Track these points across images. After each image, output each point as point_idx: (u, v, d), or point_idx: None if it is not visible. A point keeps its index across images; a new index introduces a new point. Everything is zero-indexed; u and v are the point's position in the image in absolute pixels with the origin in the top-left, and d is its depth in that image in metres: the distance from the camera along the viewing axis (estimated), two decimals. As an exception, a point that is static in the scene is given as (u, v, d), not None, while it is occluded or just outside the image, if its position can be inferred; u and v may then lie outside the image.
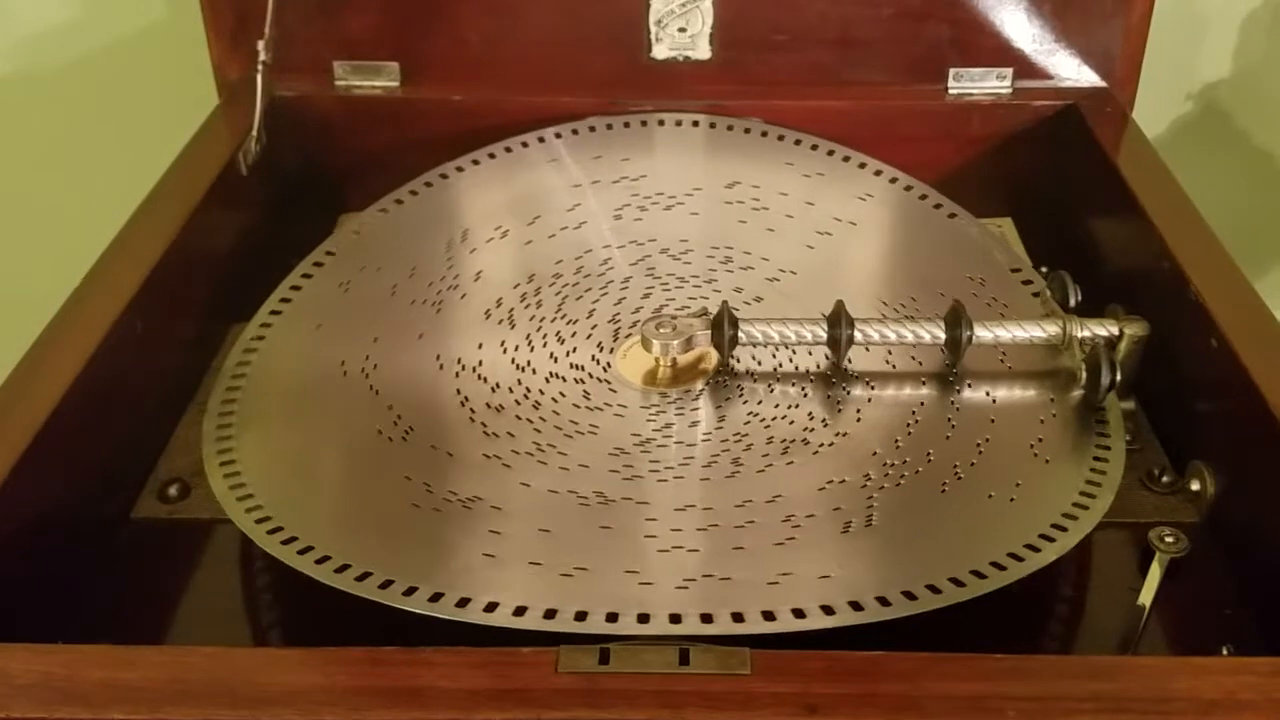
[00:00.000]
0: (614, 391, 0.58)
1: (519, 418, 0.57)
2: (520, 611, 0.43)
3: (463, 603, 0.44)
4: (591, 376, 0.59)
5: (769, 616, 0.43)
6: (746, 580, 0.46)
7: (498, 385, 0.59)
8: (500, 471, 0.53)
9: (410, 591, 0.44)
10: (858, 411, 0.56)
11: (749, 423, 0.56)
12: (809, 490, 0.51)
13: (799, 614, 0.43)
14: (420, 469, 0.53)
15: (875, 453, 0.53)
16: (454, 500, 0.51)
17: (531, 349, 0.61)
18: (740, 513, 0.50)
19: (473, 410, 0.57)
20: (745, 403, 0.57)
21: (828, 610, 0.43)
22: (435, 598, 0.44)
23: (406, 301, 0.63)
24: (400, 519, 0.50)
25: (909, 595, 0.44)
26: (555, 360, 0.60)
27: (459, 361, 0.60)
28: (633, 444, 0.55)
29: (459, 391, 0.58)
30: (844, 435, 0.55)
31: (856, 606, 0.43)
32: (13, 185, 0.93)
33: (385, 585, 0.45)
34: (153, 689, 0.38)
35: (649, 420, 0.56)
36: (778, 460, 0.53)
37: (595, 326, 0.62)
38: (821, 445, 0.54)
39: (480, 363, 0.60)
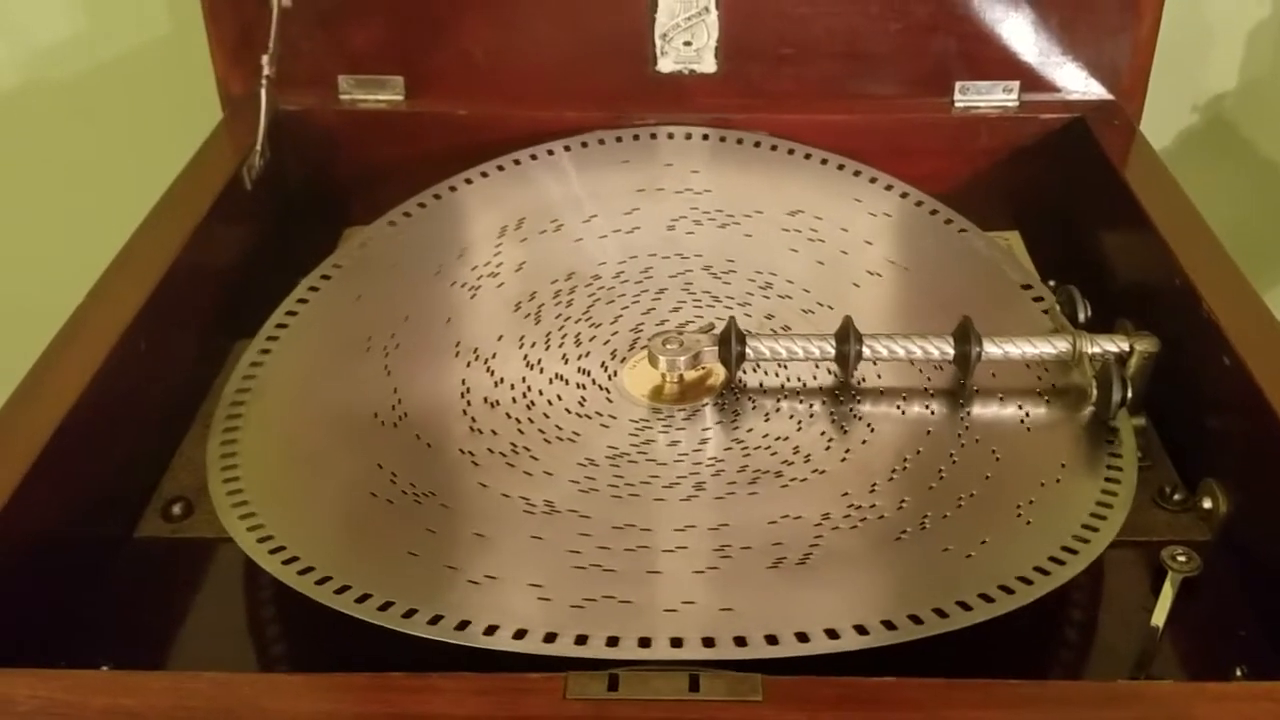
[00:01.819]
0: (610, 401, 0.58)
1: (509, 415, 0.56)
2: (411, 614, 0.43)
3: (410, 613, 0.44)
4: (594, 383, 0.59)
5: (638, 641, 0.42)
6: (644, 603, 0.45)
7: (501, 380, 0.58)
8: (466, 469, 0.53)
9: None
10: (846, 451, 0.54)
11: (730, 448, 0.55)
12: (758, 523, 0.50)
13: (674, 642, 0.42)
14: (393, 457, 0.53)
15: (846, 493, 0.51)
16: (409, 493, 0.51)
17: (547, 347, 0.61)
18: (676, 537, 0.49)
19: (469, 402, 0.57)
20: (737, 427, 0.56)
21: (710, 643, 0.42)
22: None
23: (447, 283, 0.63)
24: (355, 510, 0.50)
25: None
26: (565, 362, 0.60)
27: (474, 351, 0.60)
28: (604, 457, 0.54)
29: (463, 381, 0.58)
30: (821, 472, 0.53)
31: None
32: (18, 198, 0.93)
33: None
34: (156, 716, 0.38)
35: (631, 435, 0.56)
36: (742, 490, 0.52)
37: (616, 334, 0.62)
38: (794, 480, 0.53)
39: (494, 355, 0.60)
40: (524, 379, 0.59)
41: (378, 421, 0.55)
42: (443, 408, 0.57)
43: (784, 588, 0.47)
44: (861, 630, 0.43)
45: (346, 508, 0.51)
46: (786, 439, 0.55)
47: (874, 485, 0.52)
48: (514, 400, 0.57)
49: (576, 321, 0.62)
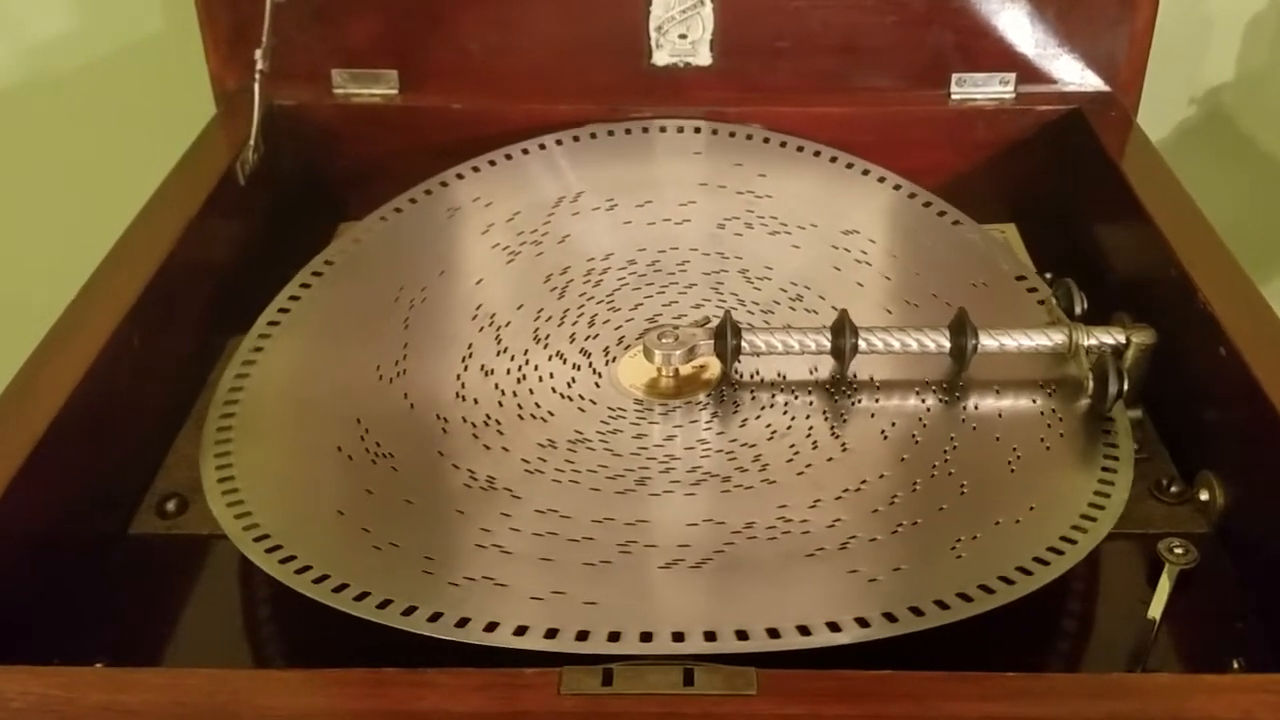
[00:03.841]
0: (597, 387, 0.57)
1: (496, 386, 0.56)
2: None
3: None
4: (590, 367, 0.59)
5: (485, 626, 0.43)
6: (513, 590, 0.45)
7: (505, 349, 0.58)
8: (433, 435, 0.53)
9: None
10: (807, 465, 0.52)
11: (691, 448, 0.54)
12: (676, 523, 0.49)
13: (519, 630, 0.42)
14: (373, 413, 0.53)
15: (784, 505, 0.50)
16: (370, 452, 0.52)
17: (560, 324, 0.60)
18: (587, 528, 0.49)
19: (465, 367, 0.57)
20: (709, 427, 0.55)
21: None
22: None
23: (489, 244, 0.64)
24: (326, 468, 0.51)
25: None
26: (571, 341, 0.60)
27: (491, 316, 0.60)
28: (566, 441, 0.54)
29: (469, 346, 0.58)
30: (771, 483, 0.52)
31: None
32: (11, 195, 0.93)
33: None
34: (152, 712, 0.38)
35: (602, 423, 0.55)
36: (681, 489, 0.51)
37: (630, 320, 0.61)
38: (738, 486, 0.51)
39: (508, 323, 0.60)
40: (526, 351, 0.59)
41: (377, 375, 0.55)
42: (439, 369, 0.57)
43: (663, 588, 0.46)
44: (710, 636, 0.42)
45: (323, 470, 0.51)
46: (753, 445, 0.54)
47: (817, 500, 0.50)
48: (508, 371, 0.57)
49: (598, 303, 0.62)
